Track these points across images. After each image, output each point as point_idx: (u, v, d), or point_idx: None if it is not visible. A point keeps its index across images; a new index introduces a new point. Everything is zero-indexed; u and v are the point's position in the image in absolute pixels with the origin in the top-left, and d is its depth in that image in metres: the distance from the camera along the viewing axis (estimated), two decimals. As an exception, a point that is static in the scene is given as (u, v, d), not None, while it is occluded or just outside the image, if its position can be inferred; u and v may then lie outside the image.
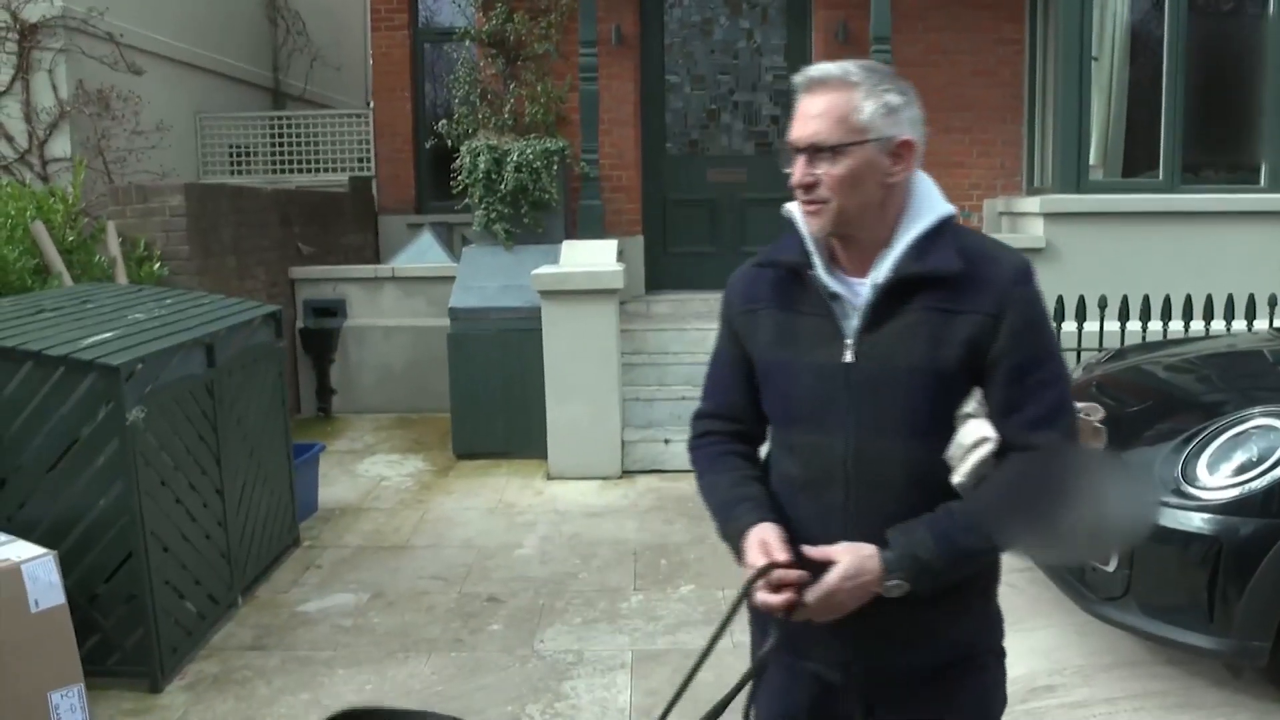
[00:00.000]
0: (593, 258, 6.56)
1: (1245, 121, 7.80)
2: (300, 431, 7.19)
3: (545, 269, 6.35)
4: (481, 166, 7.12)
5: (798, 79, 1.78)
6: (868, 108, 1.72)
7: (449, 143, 7.90)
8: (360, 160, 10.61)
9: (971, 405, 1.75)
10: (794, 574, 1.70)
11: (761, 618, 1.85)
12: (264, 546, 4.86)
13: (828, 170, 1.72)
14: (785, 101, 8.33)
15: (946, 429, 1.78)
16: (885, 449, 1.77)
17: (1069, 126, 7.25)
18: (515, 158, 7.09)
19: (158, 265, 6.53)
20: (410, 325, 8.24)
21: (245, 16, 11.44)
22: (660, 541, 5.17)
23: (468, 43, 8.39)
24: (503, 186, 7.09)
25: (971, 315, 1.74)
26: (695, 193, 8.33)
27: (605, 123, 7.73)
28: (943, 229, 1.80)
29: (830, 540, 1.74)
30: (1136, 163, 7.80)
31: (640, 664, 3.90)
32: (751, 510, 1.82)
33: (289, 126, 10.76)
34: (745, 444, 1.97)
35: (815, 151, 1.72)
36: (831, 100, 1.72)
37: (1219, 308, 6.04)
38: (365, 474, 6.61)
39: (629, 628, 4.21)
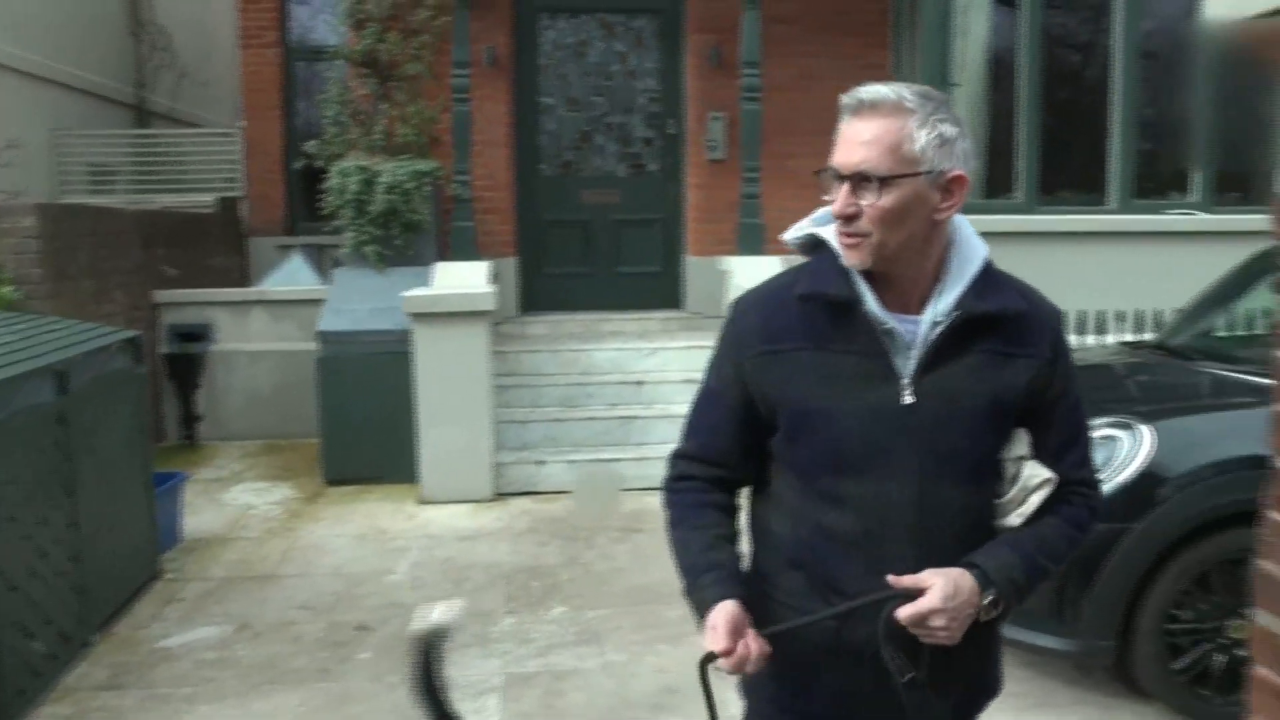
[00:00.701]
0: (465, 279, 6.53)
1: (1096, 145, 8.19)
2: (164, 460, 6.95)
3: (416, 291, 6.30)
4: (352, 188, 7.02)
5: (846, 99, 1.67)
6: (922, 137, 1.62)
7: (319, 163, 7.78)
8: (229, 180, 10.35)
9: (1024, 447, 1.75)
10: (743, 657, 1.63)
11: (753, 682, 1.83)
12: (122, 581, 4.69)
13: (873, 202, 1.62)
14: (657, 124, 8.44)
15: (996, 472, 1.76)
16: (947, 495, 1.70)
17: (929, 151, 7.50)
18: (386, 179, 7.01)
19: (8, 289, 6.26)
20: (279, 349, 8.07)
21: (106, 29, 11.06)
22: (533, 564, 5.16)
23: (339, 62, 8.29)
24: (373, 208, 7.00)
25: (1030, 359, 1.72)
26: (569, 214, 8.36)
27: (478, 144, 7.72)
28: (990, 268, 1.74)
29: (883, 589, 1.67)
30: (997, 185, 8.12)
31: (511, 687, 3.89)
32: (718, 584, 1.71)
33: (153, 145, 10.44)
34: (725, 493, 1.86)
35: (861, 180, 1.62)
36: (883, 127, 1.62)
37: (1072, 323, 6.32)
38: (232, 502, 6.44)
39: (500, 651, 4.19)
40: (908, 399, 1.68)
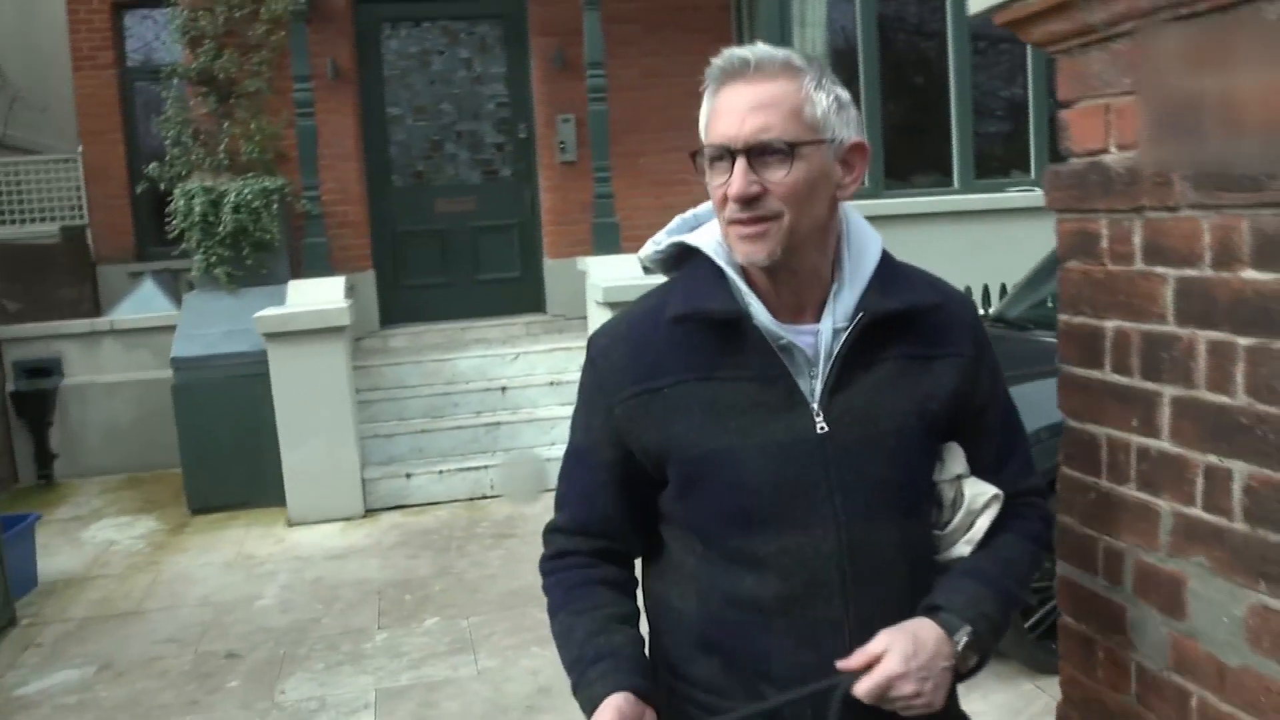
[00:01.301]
0: (319, 296, 6.47)
1: (940, 129, 8.51)
2: (18, 501, 6.74)
3: (268, 311, 6.22)
4: (198, 209, 6.88)
5: (719, 62, 1.39)
6: (821, 100, 1.38)
7: (163, 186, 7.59)
8: (73, 208, 10.00)
9: (960, 464, 1.53)
10: None
11: None
12: (-27, 631, 4.54)
13: (780, 176, 1.35)
14: (507, 129, 8.46)
15: (932, 499, 1.52)
16: (880, 537, 1.43)
17: (775, 141, 7.71)
18: (233, 198, 6.88)
19: None
20: (135, 379, 7.85)
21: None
22: (404, 577, 5.17)
23: (176, 81, 8.08)
24: (221, 229, 6.87)
25: (953, 358, 1.49)
26: (424, 224, 8.34)
27: (326, 158, 7.63)
28: (889, 259, 1.51)
29: (824, 666, 1.39)
30: (841, 173, 8.36)
31: (384, 702, 3.90)
32: (608, 674, 1.41)
33: (-13, 174, 10.03)
34: (615, 565, 1.56)
35: (761, 153, 1.35)
36: (779, 89, 1.36)
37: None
38: (92, 540, 6.26)
39: (373, 667, 4.19)
40: (821, 427, 1.41)
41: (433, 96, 8.41)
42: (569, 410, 5.90)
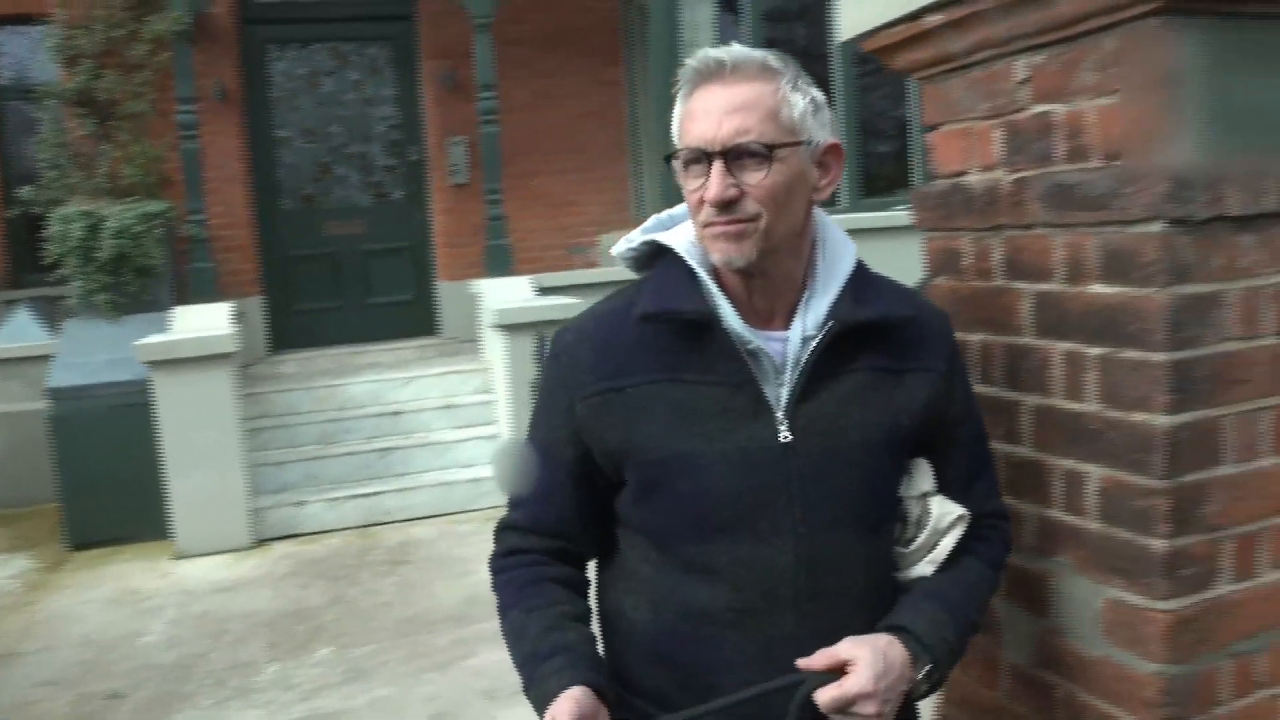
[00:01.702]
0: (205, 322, 6.33)
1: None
2: (-121, 542, 6.42)
3: (151, 338, 6.06)
4: (75, 234, 6.66)
5: (694, 64, 1.37)
6: (798, 102, 1.37)
7: (38, 210, 7.33)
8: (-60, 235, 9.59)
9: (928, 481, 1.51)
10: None
11: None
12: None
13: (759, 179, 1.34)
14: (398, 151, 8.41)
15: (895, 515, 1.50)
16: (840, 551, 1.41)
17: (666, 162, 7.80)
18: (113, 223, 6.68)
19: None
20: (8, 411, 7.53)
21: None
22: (296, 608, 5.06)
23: (52, 102, 7.83)
24: (101, 254, 6.65)
25: (925, 373, 1.47)
26: (314, 248, 8.22)
27: (213, 181, 7.49)
28: (864, 269, 1.50)
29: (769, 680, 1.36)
30: (733, 191, 8.49)
31: (275, 737, 3.82)
32: (563, 669, 1.36)
33: None
34: (568, 565, 1.53)
35: (739, 156, 1.34)
36: (756, 90, 1.35)
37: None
38: (-39, 581, 5.99)
39: (263, 701, 4.10)
40: (784, 436, 1.39)
41: (322, 118, 8.32)
42: (464, 434, 5.86)
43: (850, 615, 1.42)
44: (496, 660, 4.22)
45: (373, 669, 4.29)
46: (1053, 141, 1.61)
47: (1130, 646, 1.54)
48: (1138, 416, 1.50)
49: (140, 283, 6.83)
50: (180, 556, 5.99)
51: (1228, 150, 1.47)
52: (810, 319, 1.43)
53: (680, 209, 1.56)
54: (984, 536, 1.55)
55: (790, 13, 8.96)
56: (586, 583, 1.57)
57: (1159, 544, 1.49)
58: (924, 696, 1.48)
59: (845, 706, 1.32)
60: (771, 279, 1.43)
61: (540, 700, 1.36)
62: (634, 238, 1.55)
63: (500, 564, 1.54)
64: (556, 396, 1.47)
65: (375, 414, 6.81)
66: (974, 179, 1.80)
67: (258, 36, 8.05)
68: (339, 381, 7.00)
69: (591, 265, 8.54)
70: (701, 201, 1.37)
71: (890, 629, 1.41)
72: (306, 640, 4.66)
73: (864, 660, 1.33)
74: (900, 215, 7.97)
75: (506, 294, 6.79)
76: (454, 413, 6.92)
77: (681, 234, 1.48)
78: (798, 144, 1.37)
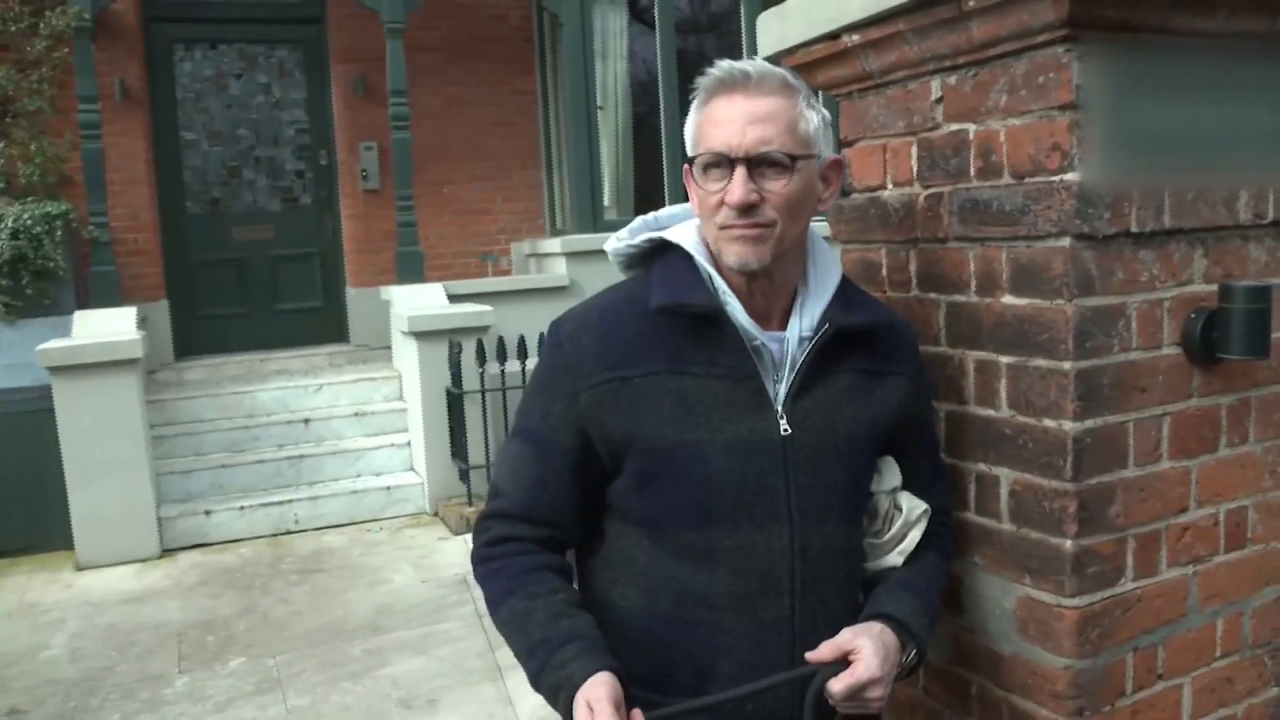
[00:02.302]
0: (109, 327, 6.16)
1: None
2: None
3: (53, 343, 5.87)
4: (-31, 236, 6.43)
5: (718, 74, 1.46)
6: (812, 118, 1.47)
7: (-73, 211, 7.06)
8: None
9: (896, 477, 1.62)
10: None
11: None
12: None
13: (778, 188, 1.43)
14: (308, 155, 8.30)
15: (866, 507, 1.60)
16: (828, 540, 1.49)
17: (581, 171, 7.85)
18: (10, 224, 6.46)
19: None
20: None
21: None
22: (206, 618, 4.96)
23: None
24: (-3, 257, 6.44)
25: (900, 376, 1.58)
26: (221, 252, 8.04)
27: (115, 182, 7.29)
28: (847, 278, 1.61)
29: (770, 664, 1.45)
30: (647, 199, 8.58)
31: (186, 751, 3.75)
32: (582, 655, 1.39)
33: None
34: (557, 553, 1.55)
35: (760, 164, 1.42)
36: (778, 104, 1.44)
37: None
38: None
39: (174, 714, 4.01)
40: (784, 429, 1.47)
41: (229, 121, 8.15)
42: (375, 442, 5.80)
43: (835, 600, 1.52)
44: (412, 669, 4.21)
45: (287, 679, 4.23)
46: (966, 159, 1.68)
47: (1041, 642, 1.62)
48: (1048, 422, 1.57)
49: (39, 286, 6.60)
50: (83, 567, 5.82)
51: (1128, 170, 1.55)
52: (806, 321, 1.52)
53: (666, 213, 1.65)
54: (939, 532, 1.67)
55: (701, 25, 9.07)
56: (572, 571, 1.60)
57: (1068, 543, 1.56)
58: (898, 681, 1.55)
59: (857, 692, 1.41)
60: (774, 281, 1.51)
61: (558, 686, 1.39)
62: (624, 236, 1.63)
63: (488, 553, 1.53)
64: (558, 385, 1.50)
65: (285, 421, 6.70)
66: (890, 194, 1.86)
67: (163, 35, 7.86)
68: (247, 388, 6.87)
69: (503, 273, 8.53)
70: (720, 204, 1.45)
71: (878, 617, 1.51)
72: (218, 651, 4.58)
73: (868, 648, 1.43)
74: (823, 226, 8.12)
75: (418, 301, 6.74)
76: (365, 420, 6.84)
77: (684, 233, 1.56)
78: (811, 157, 1.47)
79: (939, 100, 1.73)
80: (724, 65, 1.46)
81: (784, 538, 1.46)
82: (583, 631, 1.44)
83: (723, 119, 1.44)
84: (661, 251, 1.56)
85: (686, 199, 1.57)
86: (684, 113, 1.56)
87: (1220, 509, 1.74)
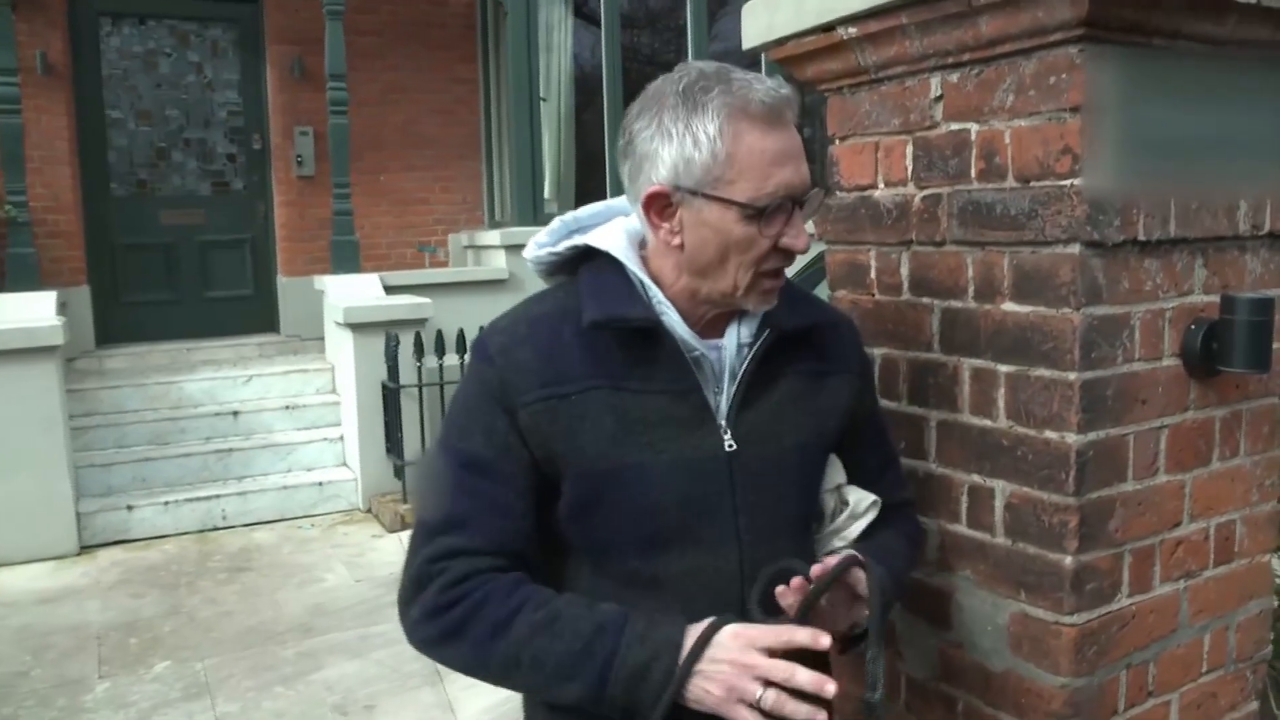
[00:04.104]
0: (26, 312, 5.89)
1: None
2: None
3: (-34, 329, 5.60)
4: (-124, 214, 6.12)
5: (765, 99, 1.30)
6: None
7: None
8: None
9: (840, 474, 1.54)
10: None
11: None
12: None
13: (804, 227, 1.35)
14: (241, 139, 8.06)
15: (818, 515, 1.51)
16: (780, 556, 1.36)
17: (523, 162, 7.73)
18: (-80, 202, 6.18)
19: None
20: None
21: None
22: (129, 619, 4.76)
23: None
24: (-94, 236, 6.15)
25: (844, 374, 1.50)
26: (148, 236, 7.77)
27: (35, 161, 6.99)
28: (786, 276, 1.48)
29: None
30: (588, 193, 8.49)
31: (109, 759, 3.57)
32: (659, 622, 1.26)
33: None
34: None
35: (800, 205, 1.34)
36: (796, 131, 1.35)
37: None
38: None
39: (94, 721, 3.84)
40: (729, 445, 1.37)
41: (158, 100, 7.87)
42: (307, 435, 5.61)
43: (786, 620, 1.36)
44: (347, 672, 4.08)
45: (215, 683, 4.06)
46: (967, 160, 1.63)
47: (1036, 660, 1.57)
48: (1049, 434, 1.53)
49: (-49, 268, 6.33)
50: (-5, 564, 5.56)
51: (1138, 177, 1.51)
52: (745, 328, 1.42)
53: (586, 212, 1.52)
54: (898, 516, 1.57)
55: (643, 19, 9.01)
56: None
57: (1068, 559, 1.52)
58: (844, 648, 1.44)
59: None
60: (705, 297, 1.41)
61: (649, 662, 1.23)
62: (544, 241, 1.49)
63: (455, 594, 1.31)
64: (492, 404, 1.35)
65: (213, 413, 6.49)
66: (882, 193, 1.80)
67: (89, 8, 7.55)
68: (173, 379, 6.64)
69: (441, 264, 8.38)
70: (773, 250, 1.34)
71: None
72: (142, 654, 4.38)
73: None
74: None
75: (353, 292, 6.56)
76: (297, 413, 6.65)
77: (611, 238, 1.43)
78: None
79: (939, 98, 1.67)
80: (758, 88, 1.30)
81: (733, 560, 1.36)
82: (628, 612, 1.28)
83: (782, 155, 1.30)
84: (587, 256, 1.44)
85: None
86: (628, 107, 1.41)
87: (1211, 523, 1.71)
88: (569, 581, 1.40)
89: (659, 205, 1.34)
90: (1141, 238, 1.52)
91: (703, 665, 1.23)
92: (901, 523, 1.58)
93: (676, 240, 1.35)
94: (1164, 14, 1.48)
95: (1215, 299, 1.63)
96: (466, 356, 5.98)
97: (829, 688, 1.19)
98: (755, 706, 1.20)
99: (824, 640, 1.23)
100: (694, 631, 1.25)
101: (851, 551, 1.35)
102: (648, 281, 1.38)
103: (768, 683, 1.20)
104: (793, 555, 1.37)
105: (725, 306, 1.40)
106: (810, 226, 1.85)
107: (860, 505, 1.51)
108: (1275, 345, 1.65)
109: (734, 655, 1.22)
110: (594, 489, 1.34)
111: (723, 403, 1.39)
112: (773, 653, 1.22)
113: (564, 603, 1.31)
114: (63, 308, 6.60)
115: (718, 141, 1.29)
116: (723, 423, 1.38)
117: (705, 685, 1.23)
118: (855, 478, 1.54)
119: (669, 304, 1.38)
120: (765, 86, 1.31)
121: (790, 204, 1.32)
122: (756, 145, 1.29)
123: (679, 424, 1.35)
